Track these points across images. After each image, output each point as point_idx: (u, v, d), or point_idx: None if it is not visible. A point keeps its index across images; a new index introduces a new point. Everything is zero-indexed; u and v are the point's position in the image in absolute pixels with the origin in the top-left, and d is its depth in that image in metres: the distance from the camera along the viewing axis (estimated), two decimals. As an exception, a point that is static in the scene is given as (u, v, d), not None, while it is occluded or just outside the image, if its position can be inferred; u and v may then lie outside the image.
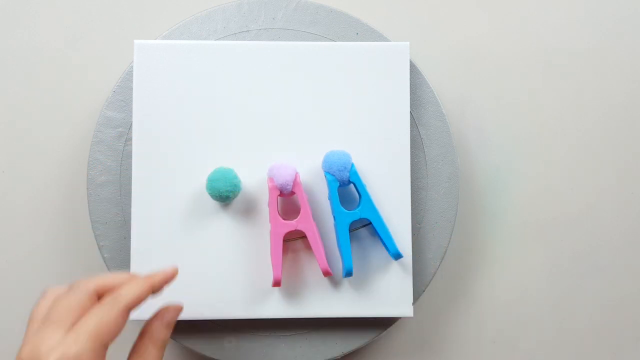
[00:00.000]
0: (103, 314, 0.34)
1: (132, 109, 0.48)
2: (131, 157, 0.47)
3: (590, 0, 0.56)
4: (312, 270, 0.47)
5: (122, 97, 0.49)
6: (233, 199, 0.46)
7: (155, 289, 0.38)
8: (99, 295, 0.36)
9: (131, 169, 0.47)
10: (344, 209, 0.46)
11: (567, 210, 0.55)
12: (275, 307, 0.47)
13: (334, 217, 0.46)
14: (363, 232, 0.48)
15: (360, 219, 0.46)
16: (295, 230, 0.46)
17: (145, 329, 0.38)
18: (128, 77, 0.49)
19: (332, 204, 0.46)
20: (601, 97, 0.55)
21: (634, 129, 0.55)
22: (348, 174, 0.46)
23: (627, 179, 0.55)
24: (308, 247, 0.47)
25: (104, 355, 0.34)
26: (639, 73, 0.55)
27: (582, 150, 0.55)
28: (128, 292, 0.36)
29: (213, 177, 0.46)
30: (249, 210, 0.48)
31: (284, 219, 0.46)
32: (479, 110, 0.54)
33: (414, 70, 0.50)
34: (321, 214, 0.48)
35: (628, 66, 0.55)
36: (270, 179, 0.46)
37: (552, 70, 0.55)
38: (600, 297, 0.55)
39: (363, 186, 0.46)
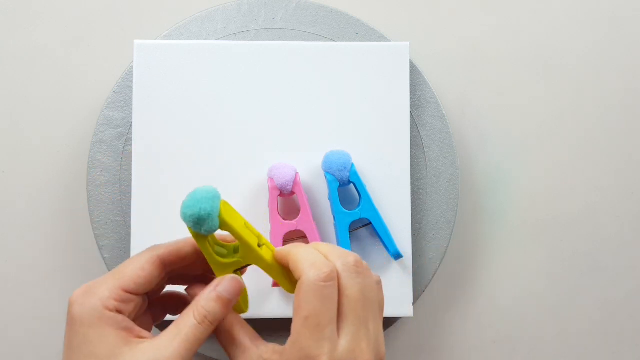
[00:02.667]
0: (134, 259, 0.34)
1: (132, 109, 0.48)
2: (131, 157, 0.47)
3: (590, 1, 0.56)
4: (312, 270, 0.47)
5: (122, 97, 0.49)
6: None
7: (193, 248, 0.35)
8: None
9: (131, 169, 0.47)
10: (344, 209, 0.46)
11: (567, 210, 0.55)
12: (275, 307, 0.47)
13: (334, 217, 0.46)
14: (363, 232, 0.48)
15: (360, 219, 0.46)
16: (295, 230, 0.46)
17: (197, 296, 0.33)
18: (128, 77, 0.49)
19: (332, 204, 0.46)
20: (601, 97, 0.55)
21: (633, 129, 0.55)
22: (348, 174, 0.46)
23: (627, 179, 0.55)
24: (308, 247, 0.47)
25: None
26: (638, 73, 0.55)
27: (581, 150, 0.55)
28: (166, 244, 0.35)
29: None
30: (249, 211, 0.48)
31: (284, 219, 0.46)
32: (479, 110, 0.54)
33: (414, 70, 0.50)
34: (321, 214, 0.48)
35: (628, 66, 0.55)
36: (270, 179, 0.46)
37: (552, 70, 0.55)
38: (600, 297, 0.55)
39: (363, 186, 0.46)
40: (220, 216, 0.33)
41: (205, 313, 0.32)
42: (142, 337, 0.32)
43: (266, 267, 0.35)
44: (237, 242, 0.35)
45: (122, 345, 0.31)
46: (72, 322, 0.31)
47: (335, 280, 0.31)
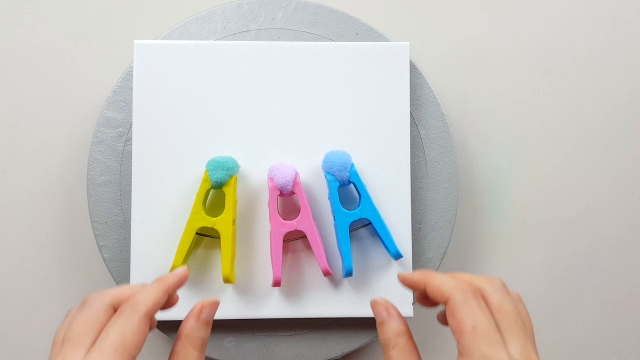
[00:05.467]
0: (124, 324, 0.32)
1: (132, 109, 0.48)
2: (131, 157, 0.47)
3: (590, 1, 0.56)
4: (312, 270, 0.47)
5: (122, 97, 0.49)
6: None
7: (170, 291, 0.35)
8: (115, 309, 0.33)
9: (131, 169, 0.47)
10: (344, 209, 0.46)
11: (567, 210, 0.55)
12: (275, 307, 0.47)
13: (334, 217, 0.46)
14: (363, 232, 0.48)
15: (360, 219, 0.46)
16: (295, 230, 0.46)
17: (182, 329, 0.35)
18: (128, 77, 0.49)
19: (332, 204, 0.46)
20: (601, 97, 0.55)
21: (633, 130, 0.55)
22: (348, 174, 0.46)
23: (626, 179, 0.55)
24: (308, 247, 0.47)
25: None
26: (638, 73, 0.56)
27: (582, 150, 0.55)
28: (145, 298, 0.33)
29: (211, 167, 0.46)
30: (249, 210, 0.48)
31: (284, 219, 0.46)
32: (479, 110, 0.55)
33: (414, 70, 0.50)
34: (321, 214, 0.48)
35: (628, 66, 0.56)
36: (271, 179, 0.46)
37: (552, 70, 0.55)
38: (601, 297, 0.55)
39: (363, 186, 0.46)
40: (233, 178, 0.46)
41: (200, 340, 0.35)
42: None
43: (227, 240, 0.45)
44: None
45: None
46: None
47: (481, 297, 0.33)
